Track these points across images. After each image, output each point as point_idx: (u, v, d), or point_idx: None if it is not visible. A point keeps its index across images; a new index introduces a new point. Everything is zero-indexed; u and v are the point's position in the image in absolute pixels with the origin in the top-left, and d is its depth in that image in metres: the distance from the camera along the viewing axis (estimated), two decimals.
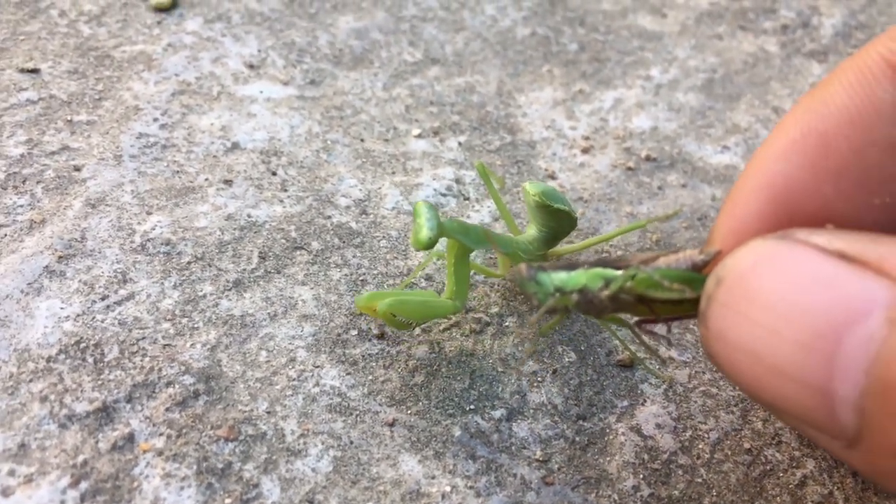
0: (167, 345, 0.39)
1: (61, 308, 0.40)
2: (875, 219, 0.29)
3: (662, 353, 0.43)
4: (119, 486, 0.34)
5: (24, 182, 0.46)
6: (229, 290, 0.42)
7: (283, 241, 0.45)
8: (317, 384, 0.39)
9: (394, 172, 0.51)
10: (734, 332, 0.27)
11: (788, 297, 0.26)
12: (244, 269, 0.43)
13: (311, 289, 0.43)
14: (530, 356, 0.42)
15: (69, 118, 0.50)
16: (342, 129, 0.53)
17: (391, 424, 0.38)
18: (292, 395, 0.38)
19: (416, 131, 0.54)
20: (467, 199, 0.50)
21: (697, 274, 0.33)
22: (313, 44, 0.60)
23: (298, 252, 0.45)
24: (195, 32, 0.59)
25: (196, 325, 0.41)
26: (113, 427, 0.36)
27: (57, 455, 0.35)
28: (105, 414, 0.36)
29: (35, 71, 0.53)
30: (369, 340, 0.41)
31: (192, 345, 0.40)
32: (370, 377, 0.40)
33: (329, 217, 0.47)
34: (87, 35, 0.57)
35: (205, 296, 0.42)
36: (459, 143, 0.53)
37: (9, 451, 0.34)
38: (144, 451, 0.35)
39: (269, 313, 0.42)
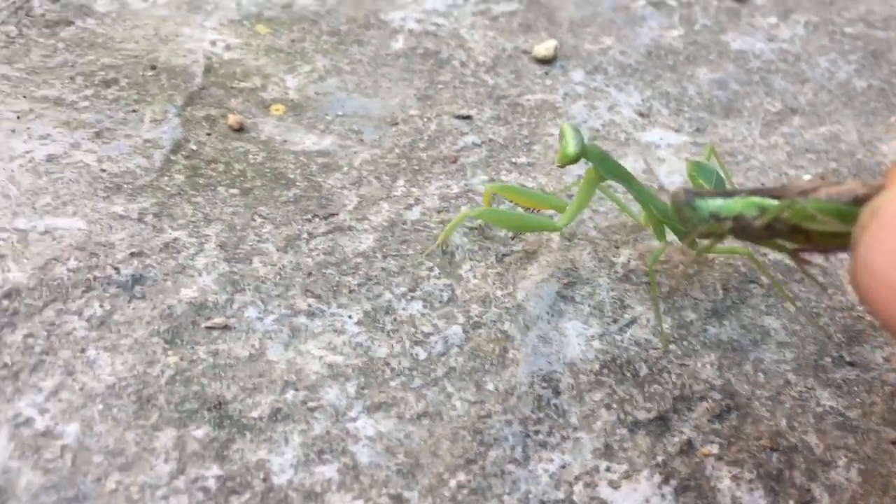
0: (682, 364, 0.45)
1: (584, 328, 0.46)
2: None
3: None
4: (700, 485, 0.40)
5: None
6: (710, 317, 0.48)
7: (736, 275, 0.51)
8: (818, 404, 0.44)
9: None
10: (881, 266, 0.26)
11: None
12: (714, 299, 0.49)
13: (776, 318, 0.49)
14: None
15: (513, 160, 0.57)
16: (741, 173, 0.59)
17: (894, 442, 0.43)
18: (802, 413, 0.44)
19: (806, 177, 0.59)
20: None
21: (855, 207, 0.32)
22: (684, 94, 0.66)
23: (752, 285, 0.51)
24: (582, 83, 0.65)
25: (695, 348, 0.46)
26: (671, 433, 0.42)
27: (639, 456, 0.41)
28: (662, 422, 0.42)
29: (468, 117, 0.60)
30: (843, 367, 0.46)
31: (701, 364, 0.45)
32: (857, 399, 0.45)
33: (765, 254, 0.53)
34: (491, 84, 0.64)
35: (691, 322, 0.48)
36: None
37: (598, 451, 0.41)
38: (705, 456, 0.41)
39: (750, 339, 0.47)
